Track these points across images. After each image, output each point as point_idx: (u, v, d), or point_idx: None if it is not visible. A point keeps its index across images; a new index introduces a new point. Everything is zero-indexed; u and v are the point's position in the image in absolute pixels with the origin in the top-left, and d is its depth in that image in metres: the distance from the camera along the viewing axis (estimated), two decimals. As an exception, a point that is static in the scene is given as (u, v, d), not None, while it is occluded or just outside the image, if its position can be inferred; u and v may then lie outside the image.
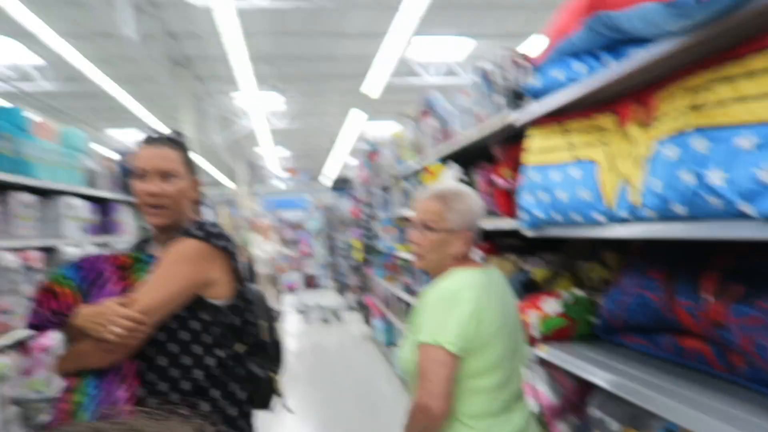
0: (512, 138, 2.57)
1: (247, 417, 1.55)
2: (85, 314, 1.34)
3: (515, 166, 2.33)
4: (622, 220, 1.54)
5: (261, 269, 9.14)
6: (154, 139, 1.52)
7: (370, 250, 6.25)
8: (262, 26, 9.87)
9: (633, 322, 1.82)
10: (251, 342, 1.59)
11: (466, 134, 2.67)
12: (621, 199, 1.53)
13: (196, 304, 1.45)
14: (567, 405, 2.23)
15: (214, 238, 1.49)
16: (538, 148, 1.99)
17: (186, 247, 1.44)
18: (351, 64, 12.21)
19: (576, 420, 2.19)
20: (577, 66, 1.74)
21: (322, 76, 12.94)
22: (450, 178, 2.80)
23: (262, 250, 9.41)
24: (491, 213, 2.65)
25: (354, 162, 23.39)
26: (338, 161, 21.09)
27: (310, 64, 12.00)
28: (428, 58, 11.87)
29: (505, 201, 2.28)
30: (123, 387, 1.35)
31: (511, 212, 2.26)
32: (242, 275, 1.57)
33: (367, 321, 7.91)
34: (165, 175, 1.47)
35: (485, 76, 2.48)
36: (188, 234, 1.47)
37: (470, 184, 2.97)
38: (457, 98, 2.85)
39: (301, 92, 14.18)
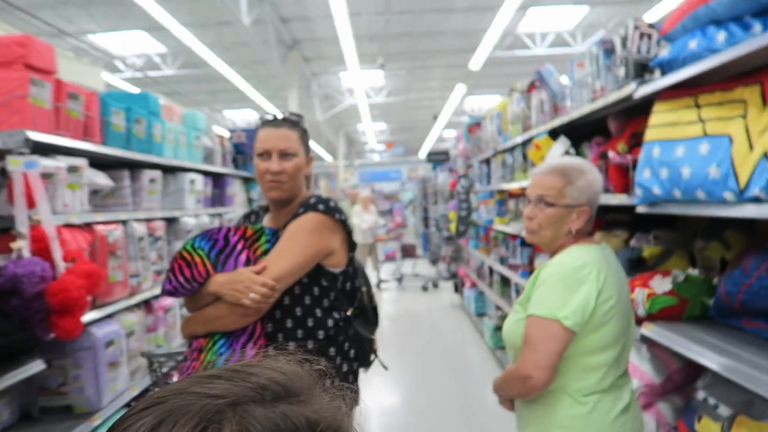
0: (630, 111, 2.43)
1: (355, 373, 1.69)
2: (221, 281, 1.49)
3: (632, 140, 2.22)
4: (756, 200, 1.41)
5: (359, 239, 9.42)
6: (275, 121, 1.63)
7: (465, 221, 6.22)
8: (367, 6, 9.99)
9: (754, 306, 1.68)
10: (356, 305, 1.69)
11: (582, 107, 2.55)
12: (757, 177, 1.40)
13: (316, 272, 1.58)
14: (670, 385, 2.13)
15: (334, 212, 1.60)
16: (663, 122, 1.86)
17: (311, 220, 1.56)
18: (456, 39, 12.02)
19: (679, 401, 2.09)
20: (716, 34, 1.59)
21: (424, 52, 12.86)
22: (558, 152, 2.71)
23: (361, 220, 9.70)
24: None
25: (452, 135, 23.22)
26: (435, 134, 20.97)
27: (412, 40, 11.96)
28: (537, 28, 11.34)
29: (618, 176, 2.18)
30: (253, 346, 1.49)
31: (623, 188, 2.16)
32: (354, 245, 1.68)
33: (457, 290, 7.95)
34: (284, 154, 1.59)
35: (605, 46, 2.35)
36: (312, 208, 1.58)
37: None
38: (571, 70, 2.73)
39: (402, 68, 14.22)
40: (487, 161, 4.99)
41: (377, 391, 4.36)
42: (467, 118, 7.02)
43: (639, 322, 2.07)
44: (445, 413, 4.05)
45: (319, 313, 1.57)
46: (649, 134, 1.90)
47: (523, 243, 3.81)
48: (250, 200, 4.92)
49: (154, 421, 0.39)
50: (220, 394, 0.41)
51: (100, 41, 10.80)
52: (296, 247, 1.52)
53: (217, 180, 4.13)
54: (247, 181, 4.99)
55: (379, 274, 10.01)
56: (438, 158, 9.78)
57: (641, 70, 2.10)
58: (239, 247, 1.56)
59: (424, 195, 12.86)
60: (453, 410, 4.09)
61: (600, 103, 2.35)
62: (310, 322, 1.56)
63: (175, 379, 2.25)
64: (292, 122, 1.63)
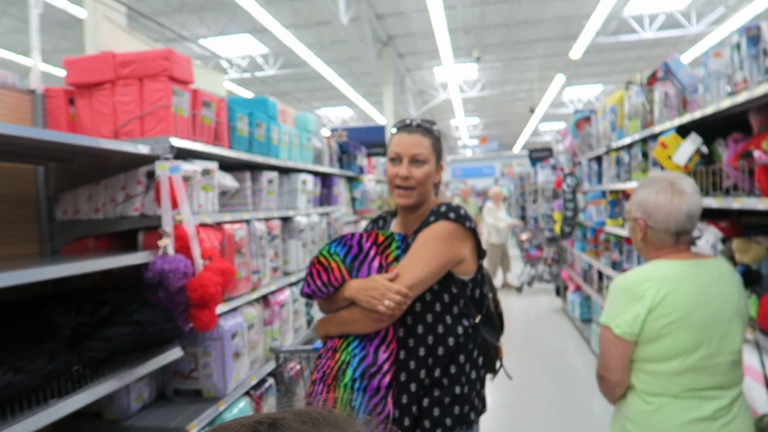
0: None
1: (482, 380, 1.68)
2: (357, 287, 1.54)
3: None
4: None
5: (494, 239, 8.83)
6: (408, 126, 1.65)
7: (571, 222, 5.96)
8: (461, -2, 9.86)
9: None
10: (484, 312, 1.69)
11: (721, 101, 2.35)
12: None
13: (446, 279, 1.59)
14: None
15: (465, 220, 1.60)
16: None
17: (443, 228, 1.57)
18: (555, 27, 11.57)
19: None
20: None
21: (521, 42, 12.50)
22: (688, 150, 2.52)
23: (496, 218, 8.95)
24: (738, 190, 2.33)
25: (549, 128, 22.38)
26: (531, 128, 20.29)
27: (508, 30, 11.66)
28: (645, 9, 10.59)
29: (766, 177, 1.99)
30: (385, 350, 1.54)
31: (771, 191, 1.97)
32: (483, 253, 1.68)
33: (559, 293, 7.63)
34: (415, 160, 1.60)
35: (749, 33, 2.15)
36: (443, 216, 1.59)
37: (711, 156, 2.64)
38: (706, 60, 2.52)
39: (498, 60, 13.90)
40: (599, 159, 4.75)
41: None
42: (566, 110, 6.71)
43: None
44: (552, 420, 3.94)
45: (449, 320, 1.58)
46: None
47: (641, 247, 3.58)
48: (353, 199, 5.03)
49: None
50: (263, 420, 0.45)
51: (208, 45, 11.52)
52: (428, 255, 1.54)
53: (325, 180, 4.26)
54: (351, 180, 5.10)
55: (508, 277, 9.28)
56: (539, 155, 9.41)
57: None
58: (372, 253, 1.60)
59: (522, 193, 12.48)
60: (558, 416, 3.97)
61: (744, 96, 2.14)
62: (440, 329, 1.57)
63: (306, 373, 2.35)
64: (426, 129, 1.64)
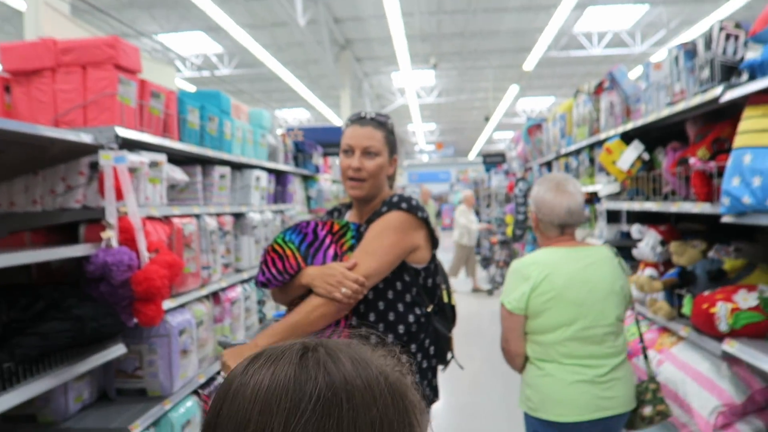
0: (710, 116, 2.33)
1: (434, 370, 1.70)
2: (314, 274, 1.53)
3: (714, 146, 2.14)
4: None
5: (465, 241, 8.80)
6: (362, 119, 1.66)
7: (522, 225, 6.12)
8: (420, 6, 9.99)
9: None
10: (436, 303, 1.71)
11: (660, 111, 2.47)
12: None
13: (400, 268, 1.60)
14: (751, 406, 2.04)
15: (417, 210, 1.62)
16: (756, 128, 1.78)
17: (396, 218, 1.58)
18: (509, 39, 11.87)
19: (760, 423, 2.01)
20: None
21: (476, 51, 12.75)
22: (631, 156, 2.63)
23: (469, 220, 8.89)
24: (676, 195, 2.45)
25: (503, 137, 22.92)
26: (486, 136, 20.73)
27: (464, 40, 11.88)
28: (594, 27, 11.04)
29: (701, 183, 2.10)
30: (338, 338, 1.51)
31: (705, 196, 2.08)
32: (437, 242, 1.69)
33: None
34: (367, 152, 1.61)
35: (686, 47, 2.27)
36: (395, 207, 1.60)
37: (652, 163, 2.76)
38: (646, 71, 2.64)
39: (454, 68, 14.13)
40: (549, 164, 4.90)
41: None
42: (519, 120, 6.92)
43: (720, 337, 1.99)
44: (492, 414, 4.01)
45: (401, 308, 1.59)
46: (739, 140, 1.82)
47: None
48: (308, 198, 5.00)
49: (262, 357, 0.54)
50: (308, 343, 0.56)
51: (161, 42, 11.22)
52: (384, 245, 1.55)
53: (279, 177, 4.22)
54: (306, 179, 5.07)
55: (476, 281, 9.15)
56: (493, 160, 9.63)
57: (727, 72, 2.02)
58: (327, 241, 1.59)
59: (476, 197, 12.71)
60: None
61: (681, 107, 2.27)
62: (391, 317, 1.58)
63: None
64: (379, 122, 1.65)
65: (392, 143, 1.68)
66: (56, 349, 1.79)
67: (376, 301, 1.58)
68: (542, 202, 2.01)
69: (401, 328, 1.58)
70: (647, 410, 1.97)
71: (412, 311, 1.60)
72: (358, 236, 1.60)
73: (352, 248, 1.58)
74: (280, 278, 1.58)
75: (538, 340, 1.95)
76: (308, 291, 1.54)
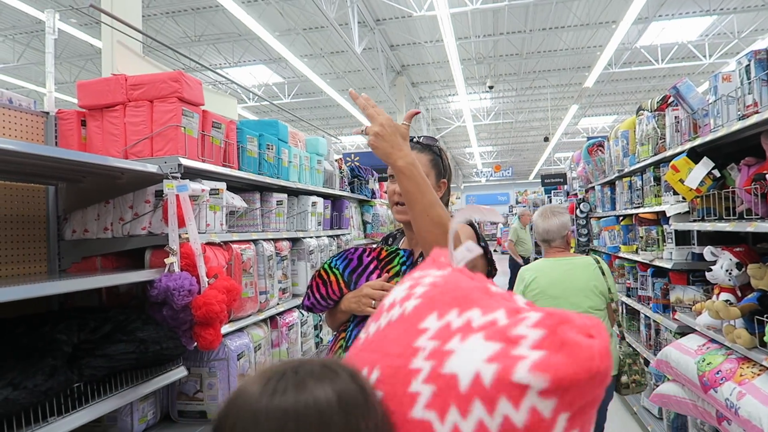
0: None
1: None
2: (348, 297, 1.54)
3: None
4: None
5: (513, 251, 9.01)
6: None
7: (585, 248, 5.88)
8: (475, 29, 10.01)
9: None
10: None
11: (731, 125, 2.33)
12: None
13: None
14: None
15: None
16: None
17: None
18: (567, 57, 11.67)
19: None
20: None
21: (534, 71, 12.60)
22: (699, 174, 2.49)
23: (519, 240, 9.05)
24: (752, 214, 2.28)
25: (565, 156, 22.34)
26: (545, 156, 20.28)
27: (522, 60, 11.77)
28: (658, 40, 10.68)
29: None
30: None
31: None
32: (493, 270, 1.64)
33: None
34: None
35: (759, 56, 2.14)
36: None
37: (724, 180, 2.60)
38: (714, 84, 2.51)
39: (511, 89, 14.00)
40: (612, 184, 4.70)
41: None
42: (581, 139, 6.71)
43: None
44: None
45: None
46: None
47: (655, 273, 3.51)
48: (364, 223, 5.02)
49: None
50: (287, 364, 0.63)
51: (225, 75, 11.78)
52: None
53: (335, 203, 4.27)
54: (362, 204, 5.11)
55: None
56: (553, 182, 9.36)
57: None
58: (371, 267, 1.58)
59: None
60: None
61: (754, 120, 2.12)
62: None
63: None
64: (424, 145, 1.63)
65: (439, 166, 1.64)
66: (121, 371, 1.86)
67: None
68: (534, 224, 2.92)
69: None
70: (624, 378, 2.71)
71: None
72: (410, 262, 1.57)
73: (398, 274, 1.56)
74: (324, 303, 1.59)
75: None
76: (353, 316, 1.54)
